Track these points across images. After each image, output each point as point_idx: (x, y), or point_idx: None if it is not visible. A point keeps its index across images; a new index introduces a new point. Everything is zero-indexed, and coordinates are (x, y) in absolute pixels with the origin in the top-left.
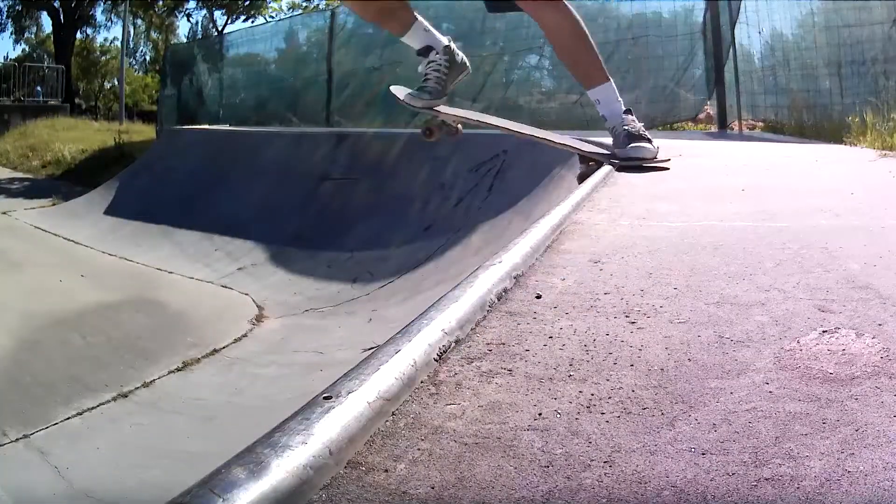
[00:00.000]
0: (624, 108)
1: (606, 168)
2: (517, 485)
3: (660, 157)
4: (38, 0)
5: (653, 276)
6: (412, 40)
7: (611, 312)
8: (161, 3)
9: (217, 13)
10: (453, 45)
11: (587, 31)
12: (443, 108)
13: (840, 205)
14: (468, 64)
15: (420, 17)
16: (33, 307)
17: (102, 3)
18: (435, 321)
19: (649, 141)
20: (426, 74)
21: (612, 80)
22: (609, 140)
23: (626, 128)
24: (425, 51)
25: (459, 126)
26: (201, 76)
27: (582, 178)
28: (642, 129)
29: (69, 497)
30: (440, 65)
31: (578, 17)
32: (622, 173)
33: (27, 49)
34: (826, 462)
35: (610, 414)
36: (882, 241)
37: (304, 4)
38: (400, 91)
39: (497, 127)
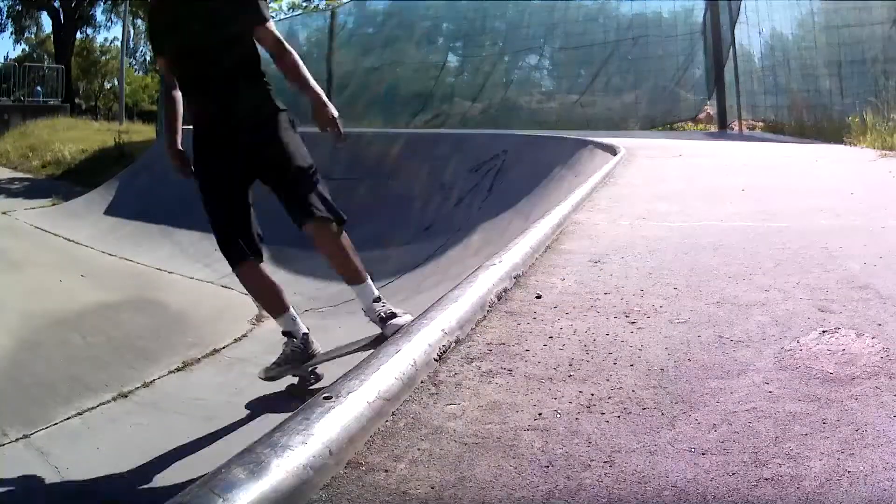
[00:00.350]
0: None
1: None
2: (517, 485)
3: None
4: (38, 0)
5: (653, 276)
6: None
7: (611, 312)
8: None
9: None
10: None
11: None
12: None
13: (840, 205)
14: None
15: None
16: (33, 307)
17: (102, 3)
18: (435, 321)
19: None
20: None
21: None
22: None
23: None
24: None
25: None
26: None
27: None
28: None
29: (69, 497)
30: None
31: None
32: (621, 174)
33: (27, 49)
34: (826, 462)
35: (610, 414)
36: (882, 241)
37: (304, 4)
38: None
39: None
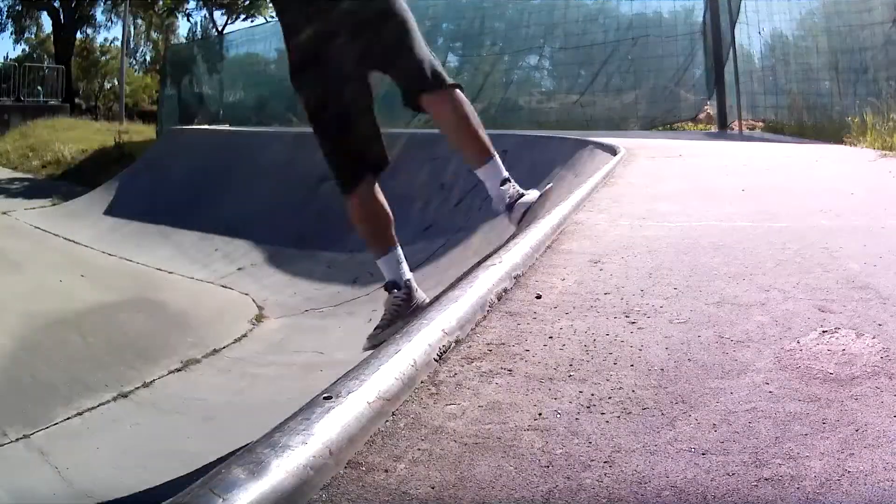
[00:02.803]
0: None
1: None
2: (517, 485)
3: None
4: (38, 0)
5: (653, 276)
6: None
7: (611, 312)
8: (161, 3)
9: (217, 13)
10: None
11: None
12: None
13: (840, 205)
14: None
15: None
16: (33, 307)
17: (102, 3)
18: (435, 321)
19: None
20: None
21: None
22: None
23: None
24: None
25: None
26: (201, 76)
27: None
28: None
29: (69, 497)
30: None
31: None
32: (621, 174)
33: (27, 49)
34: (826, 462)
35: (610, 414)
36: (882, 241)
37: None
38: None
39: None
